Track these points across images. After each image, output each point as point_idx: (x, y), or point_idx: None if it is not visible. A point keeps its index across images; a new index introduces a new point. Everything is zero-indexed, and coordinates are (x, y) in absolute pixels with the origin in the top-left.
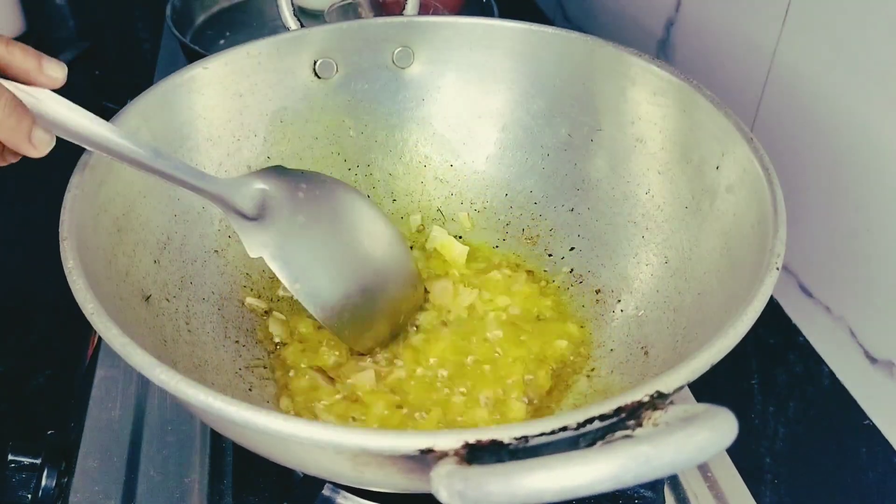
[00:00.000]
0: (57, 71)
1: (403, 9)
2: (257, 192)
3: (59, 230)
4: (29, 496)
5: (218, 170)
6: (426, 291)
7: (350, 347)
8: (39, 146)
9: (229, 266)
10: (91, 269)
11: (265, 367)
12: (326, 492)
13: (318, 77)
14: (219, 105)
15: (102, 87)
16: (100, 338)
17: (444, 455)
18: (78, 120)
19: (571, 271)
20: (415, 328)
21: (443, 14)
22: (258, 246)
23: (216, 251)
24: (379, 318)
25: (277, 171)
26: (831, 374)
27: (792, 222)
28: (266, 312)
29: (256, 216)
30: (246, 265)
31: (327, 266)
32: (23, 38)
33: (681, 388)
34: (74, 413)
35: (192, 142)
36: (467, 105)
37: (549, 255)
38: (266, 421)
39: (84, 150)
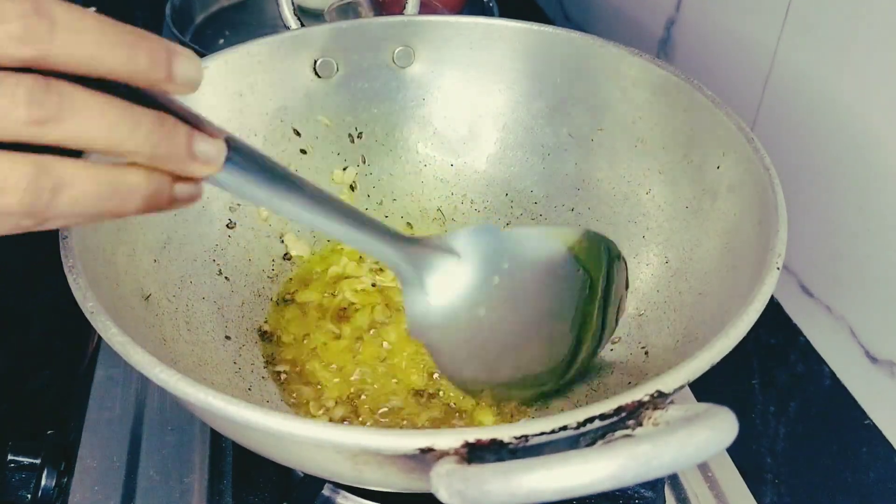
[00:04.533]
0: (191, 69)
1: (404, 8)
2: (447, 264)
3: (60, 229)
4: (29, 496)
5: None
6: None
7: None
8: (206, 162)
9: (229, 265)
10: (91, 268)
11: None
12: (326, 492)
13: (319, 76)
14: (218, 104)
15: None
16: (99, 337)
17: (443, 454)
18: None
19: None
20: None
21: (443, 13)
22: (423, 329)
23: (216, 250)
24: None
25: (484, 236)
26: (832, 373)
27: (793, 222)
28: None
29: (431, 291)
30: (245, 264)
31: (480, 354)
32: None
33: (681, 387)
34: (74, 413)
35: None
36: (468, 104)
37: None
38: (266, 420)
39: None
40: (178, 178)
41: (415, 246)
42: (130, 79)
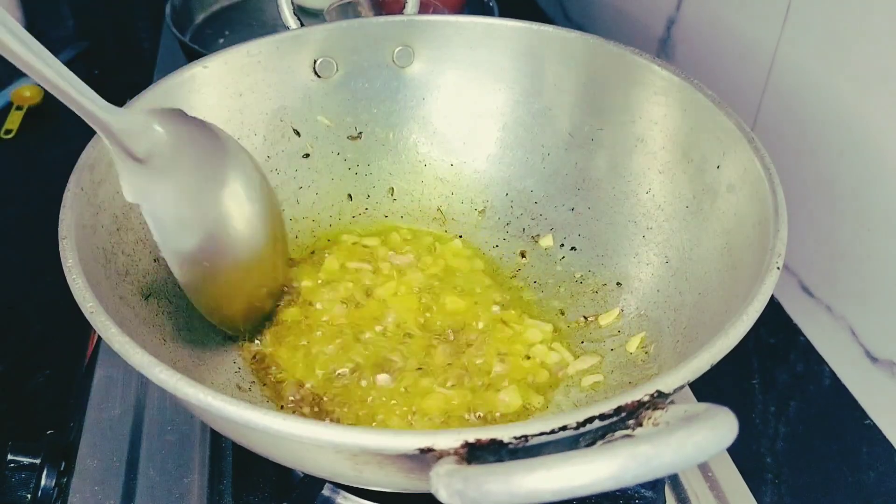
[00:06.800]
0: None
1: (404, 7)
2: (152, 134)
3: (59, 229)
4: (28, 496)
5: None
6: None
7: (207, 319)
8: None
9: None
10: (90, 267)
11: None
12: (326, 492)
13: (319, 76)
14: (218, 104)
15: (101, 87)
16: (99, 337)
17: (443, 454)
18: None
19: (573, 271)
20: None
21: (443, 13)
22: (137, 192)
23: None
24: (235, 292)
25: (177, 115)
26: (832, 373)
27: (793, 222)
28: None
29: (144, 158)
30: None
31: (196, 225)
32: None
33: (681, 387)
34: (74, 413)
35: None
36: (468, 104)
37: (550, 255)
38: (266, 420)
39: (84, 148)
40: None
41: (118, 111)
42: None
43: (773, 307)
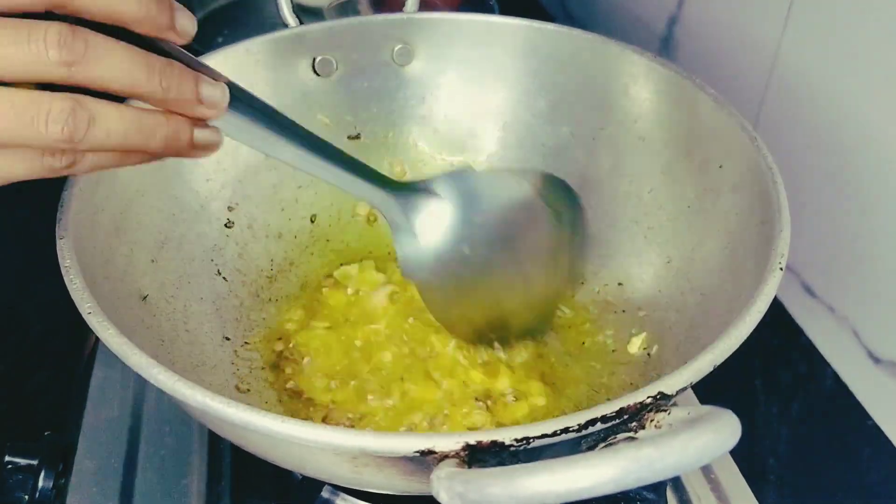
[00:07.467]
0: (188, 21)
1: (403, 5)
2: (431, 205)
3: (56, 229)
4: (26, 497)
5: (217, 167)
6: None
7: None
8: (212, 105)
9: (227, 265)
10: (88, 268)
11: (263, 367)
12: (325, 494)
13: (318, 74)
14: None
15: None
16: (97, 338)
17: (444, 457)
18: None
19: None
20: None
21: (443, 11)
22: (414, 269)
23: (214, 250)
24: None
25: (462, 178)
26: (835, 374)
27: (795, 222)
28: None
29: (419, 232)
30: (244, 264)
31: (466, 290)
32: None
33: (684, 389)
34: (72, 414)
35: None
36: (468, 103)
37: None
38: (264, 422)
39: None
40: (196, 123)
41: (403, 190)
42: (141, 25)
43: (776, 308)
